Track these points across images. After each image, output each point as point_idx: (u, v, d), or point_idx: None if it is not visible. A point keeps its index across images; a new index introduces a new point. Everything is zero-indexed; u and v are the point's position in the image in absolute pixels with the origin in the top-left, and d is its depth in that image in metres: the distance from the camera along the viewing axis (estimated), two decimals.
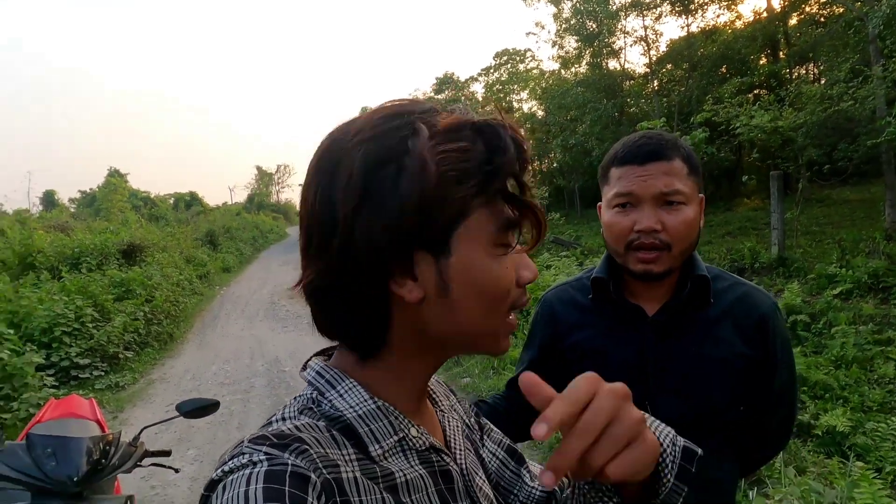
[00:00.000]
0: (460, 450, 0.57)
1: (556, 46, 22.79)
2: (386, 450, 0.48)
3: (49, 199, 39.89)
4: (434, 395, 0.61)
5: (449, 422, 0.60)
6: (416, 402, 0.53)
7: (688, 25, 19.22)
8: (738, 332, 1.00)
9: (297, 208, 0.55)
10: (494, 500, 0.58)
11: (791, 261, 6.45)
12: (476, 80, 33.83)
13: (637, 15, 19.49)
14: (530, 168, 0.49)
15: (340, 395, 0.48)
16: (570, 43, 22.26)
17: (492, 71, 32.08)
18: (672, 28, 52.30)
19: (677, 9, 18.62)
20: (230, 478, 0.39)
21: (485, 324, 0.49)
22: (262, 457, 0.40)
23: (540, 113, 26.69)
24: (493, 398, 1.17)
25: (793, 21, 16.44)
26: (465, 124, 0.46)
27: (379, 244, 0.44)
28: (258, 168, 68.80)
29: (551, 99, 21.76)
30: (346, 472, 0.43)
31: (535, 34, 25.80)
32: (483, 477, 0.59)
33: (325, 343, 0.55)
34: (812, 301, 5.19)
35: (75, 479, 1.50)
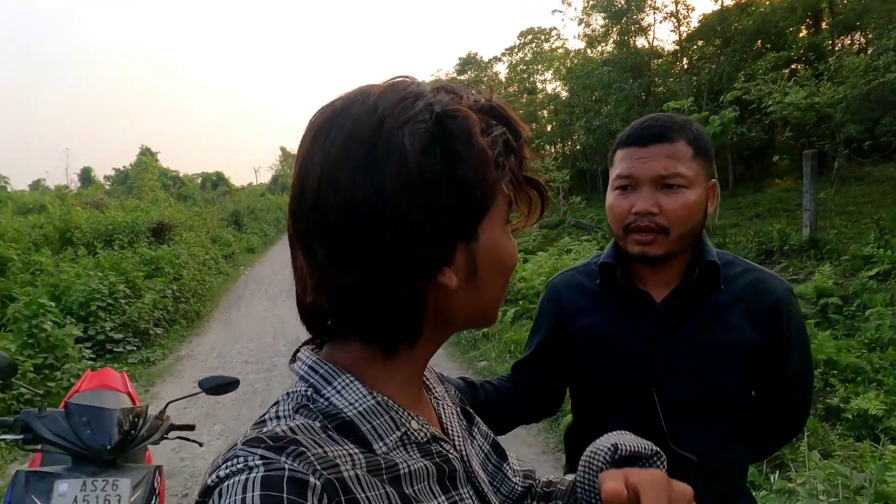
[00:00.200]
0: (458, 436, 0.56)
1: (583, 24, 22.23)
2: (390, 446, 0.46)
3: (86, 176, 41.07)
4: (427, 382, 0.59)
5: (444, 409, 0.59)
6: (414, 390, 0.52)
7: None
8: (750, 317, 0.98)
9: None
10: (490, 487, 0.58)
11: (823, 242, 6.22)
12: (499, 59, 33.33)
13: None
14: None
15: (338, 392, 0.46)
16: (598, 20, 21.67)
17: (516, 51, 31.53)
18: (704, 2, 50.45)
19: None
20: (226, 483, 0.37)
21: (498, 297, 0.50)
22: (258, 461, 0.38)
23: (564, 94, 26.18)
24: (498, 380, 1.16)
25: None
26: (486, 107, 0.45)
27: (437, 233, 0.42)
28: (282, 149, 69.44)
29: (576, 79, 21.30)
30: (347, 470, 0.42)
31: (561, 12, 25.26)
32: (479, 463, 0.59)
33: None
34: (845, 283, 5.01)
35: (108, 447, 1.58)
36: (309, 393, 0.47)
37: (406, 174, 0.40)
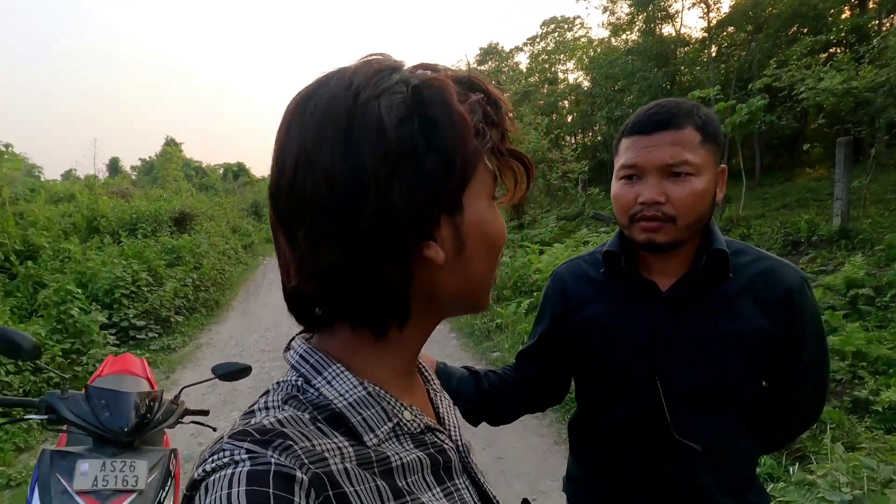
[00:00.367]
0: (454, 427, 0.56)
1: (608, 12, 21.81)
2: (381, 438, 0.45)
3: (114, 166, 42.08)
4: (426, 373, 0.58)
5: (441, 400, 0.58)
6: (407, 378, 0.51)
7: None
8: (760, 307, 0.96)
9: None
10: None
11: (855, 232, 6.00)
12: (521, 49, 32.94)
13: None
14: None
15: (328, 383, 0.45)
16: (623, 8, 21.24)
17: (538, 40, 31.11)
18: None
19: None
20: (212, 478, 0.37)
21: (487, 277, 0.48)
22: (244, 455, 0.37)
23: (586, 84, 25.78)
24: (503, 370, 1.17)
25: None
26: (464, 79, 0.45)
27: (420, 207, 0.41)
28: None
29: (598, 69, 20.95)
30: (336, 463, 0.41)
31: (585, 0, 24.75)
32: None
33: None
34: (878, 274, 4.83)
35: (125, 429, 1.62)
36: (299, 383, 0.46)
37: (385, 146, 0.39)
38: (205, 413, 2.04)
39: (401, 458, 0.45)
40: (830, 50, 12.88)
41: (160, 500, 1.68)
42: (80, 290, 5.72)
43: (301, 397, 0.45)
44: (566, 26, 29.83)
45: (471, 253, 0.45)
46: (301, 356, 0.47)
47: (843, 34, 12.91)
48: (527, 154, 0.48)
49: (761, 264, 0.99)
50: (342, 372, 0.46)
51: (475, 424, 1.11)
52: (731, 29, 18.31)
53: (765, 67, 10.69)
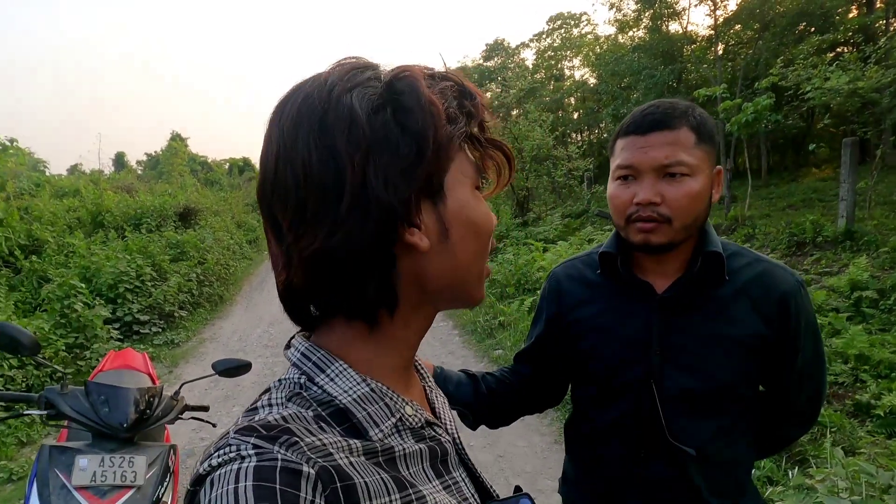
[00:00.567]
0: (450, 421, 0.57)
1: (614, 9, 21.65)
2: (385, 433, 0.46)
3: (120, 161, 42.18)
4: (421, 371, 0.60)
5: (437, 397, 0.59)
6: (406, 374, 0.52)
7: None
8: (756, 310, 0.95)
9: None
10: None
11: (860, 234, 5.94)
12: (527, 46, 32.82)
13: None
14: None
15: (332, 380, 0.46)
16: (629, 4, 21.03)
17: (544, 36, 30.99)
18: None
19: None
20: (218, 472, 0.37)
21: (476, 266, 0.49)
22: (251, 450, 0.38)
23: (592, 81, 25.66)
24: (500, 371, 1.17)
25: None
26: (437, 73, 0.47)
27: (397, 190, 0.42)
28: None
29: (605, 66, 20.83)
30: (342, 458, 0.41)
31: None
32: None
33: None
34: (883, 276, 4.79)
35: (125, 425, 1.63)
36: (302, 380, 0.47)
37: (358, 134, 0.41)
38: (205, 409, 2.05)
39: (404, 450, 0.47)
40: (837, 49, 12.75)
41: (158, 496, 1.68)
42: (83, 285, 5.74)
43: (305, 394, 0.46)
44: (573, 23, 29.70)
45: (456, 239, 0.46)
46: (303, 354, 0.48)
47: (850, 34, 12.78)
48: (511, 147, 0.50)
49: (757, 267, 0.98)
50: (345, 369, 0.46)
51: (473, 428, 1.12)
52: (737, 27, 18.17)
53: (771, 66, 10.61)
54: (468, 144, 0.47)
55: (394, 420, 0.47)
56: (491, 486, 0.57)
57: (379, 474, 0.43)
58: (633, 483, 1.02)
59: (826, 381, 1.07)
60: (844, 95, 7.38)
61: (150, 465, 1.68)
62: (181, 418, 1.92)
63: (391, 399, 0.47)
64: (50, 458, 1.60)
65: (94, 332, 5.34)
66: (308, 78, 0.46)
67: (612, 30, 24.08)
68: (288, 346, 0.50)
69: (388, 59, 0.47)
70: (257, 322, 7.25)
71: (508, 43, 34.27)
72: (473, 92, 0.47)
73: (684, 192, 0.91)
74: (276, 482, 0.36)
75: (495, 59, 33.47)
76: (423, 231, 0.44)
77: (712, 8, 18.19)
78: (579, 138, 26.03)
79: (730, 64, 17.24)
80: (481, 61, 33.95)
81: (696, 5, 20.29)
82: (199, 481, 0.38)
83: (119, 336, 5.91)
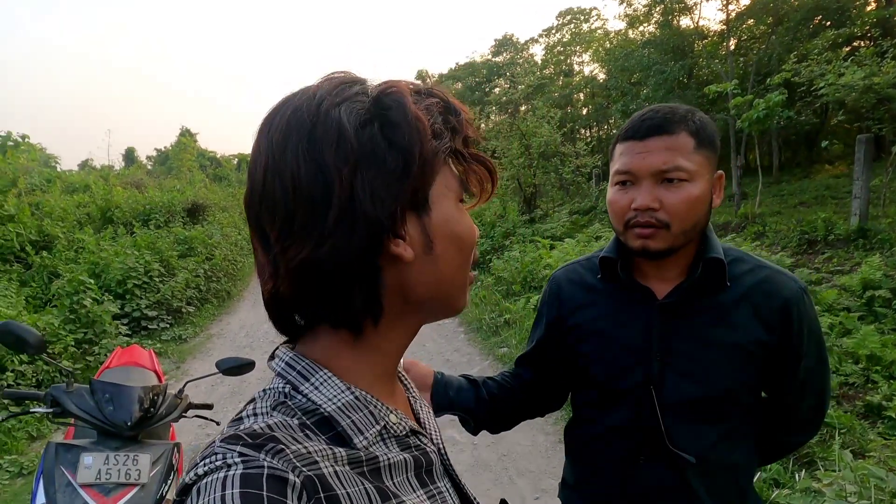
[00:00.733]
0: (435, 430, 0.58)
1: (624, 4, 21.42)
2: (370, 440, 0.47)
3: (130, 157, 42.54)
4: (405, 381, 0.61)
5: (422, 406, 0.60)
6: (390, 383, 0.53)
7: None
8: (757, 317, 0.95)
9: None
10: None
11: (874, 232, 5.84)
12: (536, 41, 32.62)
13: None
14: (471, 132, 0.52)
15: (316, 388, 0.46)
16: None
17: (553, 32, 30.77)
18: None
19: None
20: (204, 481, 0.37)
21: (460, 276, 0.50)
22: (237, 458, 0.38)
23: (601, 76, 25.46)
24: (501, 376, 1.17)
25: None
26: (423, 89, 0.48)
27: (383, 203, 0.43)
28: None
29: (614, 61, 20.62)
30: (326, 466, 0.42)
31: None
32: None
33: None
34: None
35: (129, 423, 1.64)
36: (286, 390, 0.47)
37: (346, 147, 0.42)
38: (208, 407, 2.06)
39: (388, 460, 0.47)
40: (854, 44, 12.51)
41: (162, 494, 1.69)
42: (92, 281, 5.80)
43: (289, 403, 0.46)
44: (582, 18, 29.46)
45: (440, 251, 0.47)
46: (287, 363, 0.48)
47: (867, 28, 12.53)
48: (491, 159, 0.52)
49: (759, 273, 0.98)
50: (329, 377, 0.47)
51: (475, 433, 1.12)
52: (750, 21, 17.91)
53: (784, 62, 10.45)
54: (452, 159, 0.49)
55: (378, 427, 0.47)
56: (474, 498, 0.57)
57: (363, 484, 0.43)
58: (632, 489, 1.02)
59: (830, 388, 1.06)
60: (860, 91, 7.26)
61: (153, 464, 1.69)
62: (185, 416, 1.93)
63: (375, 407, 0.48)
64: (56, 456, 1.62)
65: (103, 327, 5.40)
66: (297, 91, 0.47)
67: (622, 25, 23.82)
68: (272, 358, 0.50)
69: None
70: (264, 318, 6.96)
71: (517, 38, 34.10)
72: (458, 108, 0.49)
73: (682, 197, 0.91)
74: (262, 489, 0.36)
75: (504, 55, 33.32)
76: (407, 242, 0.45)
77: (725, 2, 17.95)
78: (588, 134, 25.82)
79: (741, 59, 17.00)
80: (490, 57, 33.81)
81: (707, 0, 19.94)
82: (185, 491, 0.38)
83: (127, 332, 5.96)
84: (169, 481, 1.73)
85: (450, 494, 0.53)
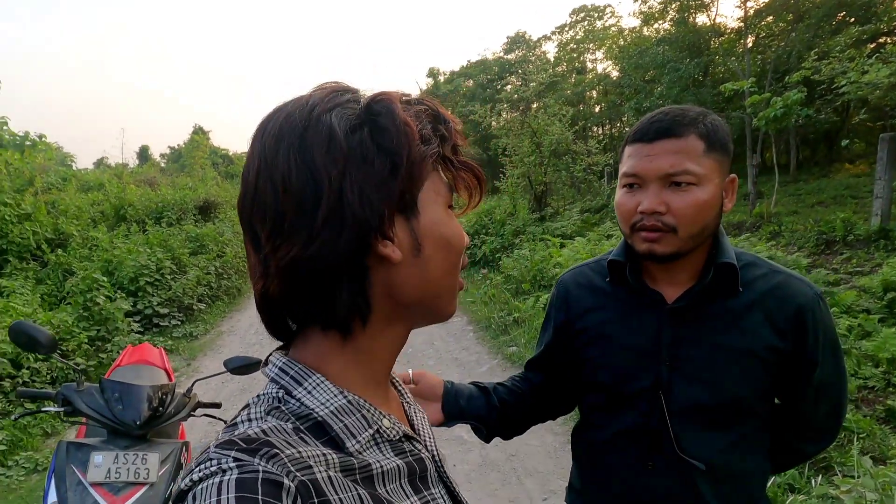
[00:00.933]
0: (429, 437, 0.58)
1: (639, 1, 21.19)
2: (363, 444, 0.47)
3: (143, 155, 43.08)
4: (398, 386, 0.61)
5: (416, 412, 0.60)
6: (382, 388, 0.54)
7: None
8: (770, 323, 0.93)
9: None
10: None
11: None
12: (549, 38, 32.39)
13: None
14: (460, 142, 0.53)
15: (309, 393, 0.47)
16: None
17: (567, 29, 30.51)
18: None
19: None
20: (200, 487, 0.37)
21: (449, 281, 0.51)
22: (232, 463, 0.38)
23: (615, 74, 25.22)
24: (511, 381, 1.17)
25: None
26: (413, 99, 0.50)
27: (371, 203, 0.44)
28: None
29: (628, 58, 20.41)
30: (320, 471, 0.42)
31: None
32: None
33: None
34: None
35: (138, 422, 1.65)
36: (280, 395, 0.48)
37: (336, 151, 0.43)
38: (217, 406, 2.07)
39: (381, 466, 0.47)
40: (879, 40, 12.21)
41: (171, 493, 1.70)
42: (105, 279, 5.87)
43: (283, 408, 0.46)
44: (596, 15, 29.17)
45: (428, 254, 0.48)
46: (280, 369, 0.49)
47: (894, 24, 12.22)
48: (478, 165, 0.52)
49: (773, 279, 0.96)
50: (322, 382, 0.47)
51: (487, 441, 1.13)
52: (769, 18, 17.59)
53: (804, 59, 10.24)
54: (442, 165, 0.50)
55: (371, 431, 0.48)
56: None
57: (356, 490, 0.44)
58: (640, 494, 1.01)
59: (846, 395, 1.04)
60: (885, 89, 7.09)
61: (162, 462, 1.70)
62: (193, 415, 1.94)
63: (368, 411, 0.48)
64: (67, 455, 1.63)
65: (116, 324, 5.46)
66: (290, 99, 0.48)
67: (636, 22, 23.64)
68: (265, 364, 0.51)
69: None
70: None
71: (530, 36, 33.84)
72: (447, 117, 0.50)
73: (690, 201, 0.89)
74: (257, 493, 0.36)
75: (516, 52, 33.12)
76: (395, 244, 0.46)
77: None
78: (600, 132, 25.61)
79: (759, 57, 16.71)
80: (502, 54, 33.66)
81: None
82: (181, 497, 0.38)
83: (139, 329, 6.03)
84: (177, 481, 1.73)
85: (444, 501, 0.53)
